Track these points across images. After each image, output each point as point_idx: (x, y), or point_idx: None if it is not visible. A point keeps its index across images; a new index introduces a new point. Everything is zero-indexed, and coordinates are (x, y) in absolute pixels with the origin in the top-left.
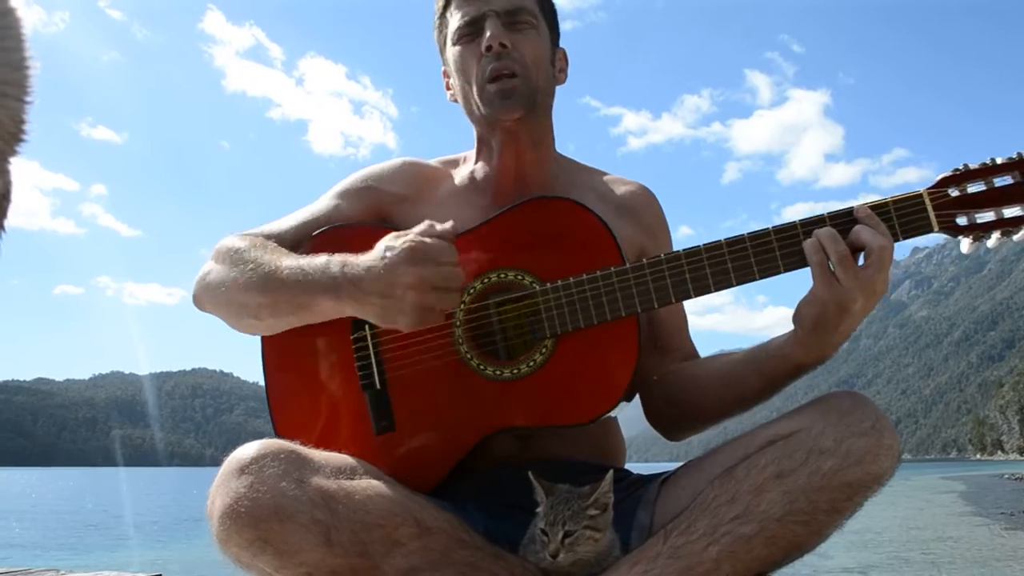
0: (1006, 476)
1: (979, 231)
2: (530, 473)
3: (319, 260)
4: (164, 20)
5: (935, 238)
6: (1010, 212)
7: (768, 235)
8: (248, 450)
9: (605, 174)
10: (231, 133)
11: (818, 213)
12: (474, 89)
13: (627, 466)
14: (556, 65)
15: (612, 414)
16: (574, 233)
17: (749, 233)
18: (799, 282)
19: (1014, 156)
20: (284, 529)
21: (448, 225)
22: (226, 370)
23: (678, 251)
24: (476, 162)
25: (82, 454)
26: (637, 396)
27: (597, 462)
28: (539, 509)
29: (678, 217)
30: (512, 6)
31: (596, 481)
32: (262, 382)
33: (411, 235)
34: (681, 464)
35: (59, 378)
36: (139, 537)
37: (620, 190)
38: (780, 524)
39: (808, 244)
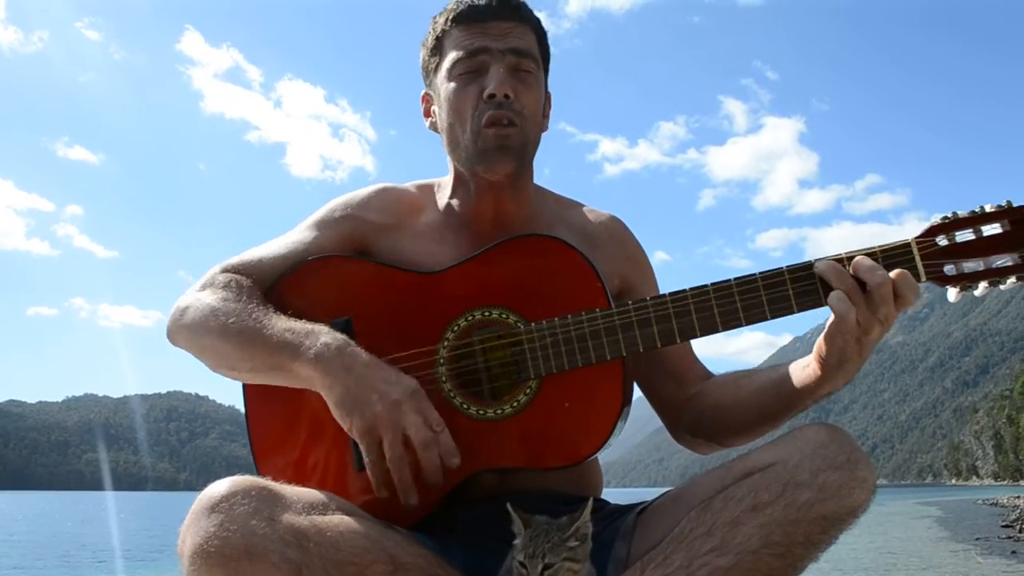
0: (980, 501)
1: (966, 281)
2: (508, 505)
3: (309, 328)
4: (142, 41)
5: None
6: (999, 262)
7: (755, 280)
8: (219, 488)
9: (580, 206)
10: (209, 155)
11: (794, 245)
12: (467, 132)
13: (606, 491)
14: (547, 114)
15: (598, 456)
16: (559, 272)
17: (736, 278)
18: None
19: (1003, 204)
20: (255, 568)
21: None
22: (202, 393)
23: (664, 294)
24: (452, 196)
25: (54, 478)
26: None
27: (574, 493)
28: (517, 541)
29: (654, 243)
30: (519, 47)
31: (574, 512)
32: (238, 406)
33: (419, 396)
34: (659, 495)
35: (31, 400)
36: (118, 563)
37: (595, 223)
38: (756, 556)
39: (825, 268)
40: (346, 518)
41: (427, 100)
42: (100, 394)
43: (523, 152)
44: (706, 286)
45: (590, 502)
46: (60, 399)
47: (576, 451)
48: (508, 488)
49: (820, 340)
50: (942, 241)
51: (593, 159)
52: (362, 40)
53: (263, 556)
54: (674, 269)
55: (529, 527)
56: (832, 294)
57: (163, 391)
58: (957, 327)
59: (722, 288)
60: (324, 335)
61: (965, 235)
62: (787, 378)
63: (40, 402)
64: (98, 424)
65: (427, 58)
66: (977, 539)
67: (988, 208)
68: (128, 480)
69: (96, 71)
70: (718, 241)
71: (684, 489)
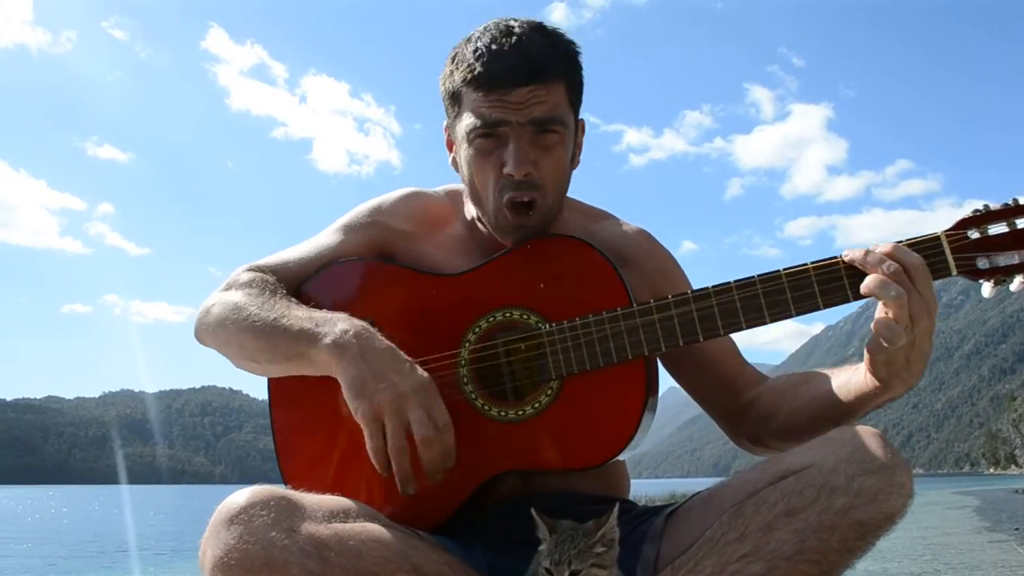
0: (1020, 491)
1: (1000, 274)
2: (532, 510)
3: (327, 316)
4: (167, 39)
5: None
6: None
7: (779, 277)
8: (238, 498)
9: (609, 218)
10: (236, 152)
11: (822, 234)
12: (488, 203)
13: (639, 482)
14: (576, 157)
15: (622, 457)
16: (580, 272)
17: (760, 275)
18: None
19: None
20: None
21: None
22: (235, 388)
23: (686, 292)
24: (478, 217)
25: (92, 472)
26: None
27: (601, 493)
28: (542, 547)
29: (682, 233)
30: (543, 115)
31: (601, 514)
32: None
33: (429, 382)
34: (688, 497)
35: (69, 396)
36: (152, 559)
37: (624, 237)
38: (790, 563)
39: (858, 255)
40: (368, 525)
41: (449, 134)
42: (136, 389)
43: (545, 220)
44: (729, 283)
45: (616, 507)
46: (97, 394)
47: (599, 452)
48: (532, 490)
49: (866, 347)
50: (973, 234)
51: (618, 150)
52: (385, 34)
53: (283, 568)
54: (702, 259)
55: (554, 532)
56: (874, 279)
57: (197, 386)
58: (993, 314)
59: (746, 286)
60: (342, 322)
61: (998, 228)
62: (845, 387)
63: (78, 398)
64: (135, 419)
65: (445, 100)
66: (1016, 529)
67: (1022, 201)
68: (166, 474)
69: (123, 70)
70: (746, 230)
71: (715, 492)
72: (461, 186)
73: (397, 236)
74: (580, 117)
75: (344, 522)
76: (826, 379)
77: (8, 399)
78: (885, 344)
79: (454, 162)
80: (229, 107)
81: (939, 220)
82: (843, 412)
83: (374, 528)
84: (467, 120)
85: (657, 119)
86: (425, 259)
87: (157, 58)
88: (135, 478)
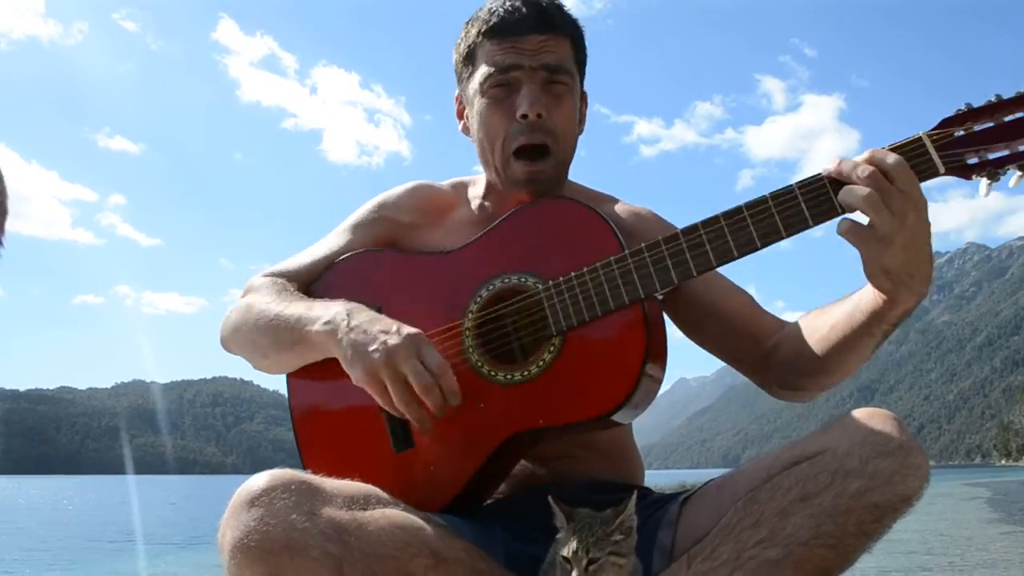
0: None
1: (992, 167)
2: (549, 497)
3: (327, 303)
4: (177, 31)
5: (955, 242)
6: None
7: (765, 201)
8: (258, 481)
9: (615, 200)
10: (247, 143)
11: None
12: (497, 154)
13: (648, 473)
14: (582, 118)
15: (631, 410)
16: (571, 229)
17: (746, 203)
18: (817, 286)
19: (1022, 91)
20: (295, 563)
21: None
22: (246, 378)
23: (676, 232)
24: (485, 198)
25: (105, 462)
26: (650, 403)
27: (618, 480)
28: (559, 535)
29: None
30: (553, 63)
31: (617, 502)
32: (282, 390)
33: (422, 341)
34: (703, 483)
35: (81, 387)
36: (167, 548)
37: (630, 215)
38: (807, 548)
39: (838, 166)
40: (387, 511)
41: (460, 102)
42: (148, 380)
43: (555, 179)
44: (717, 215)
45: (634, 496)
46: (109, 385)
47: (608, 398)
48: (548, 477)
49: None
50: (958, 132)
51: (628, 141)
52: (395, 25)
53: (304, 551)
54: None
55: (572, 520)
56: (851, 188)
57: (208, 376)
58: (1006, 305)
59: (733, 215)
60: (336, 304)
61: (983, 125)
62: (857, 309)
63: (90, 388)
64: (147, 409)
65: (459, 64)
66: None
67: (1005, 96)
68: (177, 464)
69: (134, 62)
70: None
71: (729, 478)
72: (467, 177)
73: (405, 229)
74: (584, 90)
75: (364, 508)
76: (839, 307)
77: (21, 390)
78: (872, 253)
79: (465, 128)
80: (239, 98)
81: (952, 210)
82: (860, 335)
83: (393, 514)
84: (481, 71)
85: (668, 110)
86: (434, 245)
87: (168, 50)
88: (147, 468)
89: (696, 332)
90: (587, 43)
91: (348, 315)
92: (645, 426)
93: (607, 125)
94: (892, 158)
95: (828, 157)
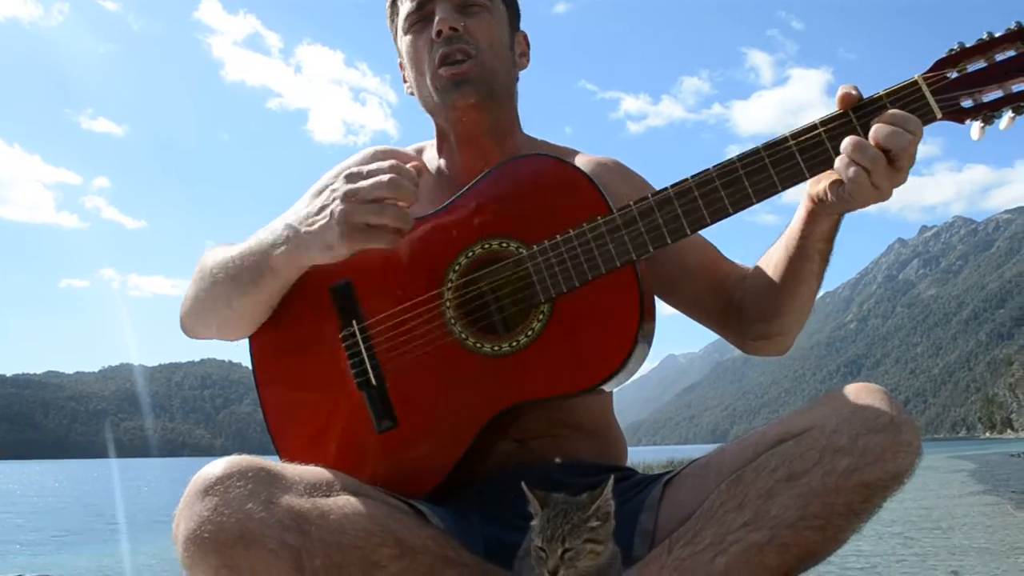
0: (1016, 454)
1: (987, 111)
2: (523, 484)
3: (268, 226)
4: (159, 10)
5: (941, 215)
6: (1018, 86)
7: (758, 153)
8: (214, 468)
9: (577, 153)
10: (232, 124)
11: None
12: (427, 78)
13: (637, 449)
14: (516, 49)
15: (626, 374)
16: (551, 188)
17: (738, 155)
18: None
19: (1012, 27)
20: (250, 555)
21: (412, 164)
22: (235, 360)
23: (667, 187)
24: (440, 156)
25: (93, 446)
26: (639, 378)
27: (598, 462)
28: (534, 522)
29: None
30: None
31: (597, 484)
32: None
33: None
34: (687, 463)
35: (69, 371)
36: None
37: (595, 165)
38: (793, 530)
39: (842, 162)
40: (352, 499)
41: (402, 67)
42: (135, 363)
43: (486, 83)
44: (708, 169)
45: (611, 480)
46: (96, 369)
47: (603, 366)
48: (528, 458)
49: (817, 189)
50: (952, 74)
51: (616, 117)
52: (379, 1)
53: (260, 542)
54: None
55: (546, 507)
56: (848, 167)
57: (196, 359)
58: (991, 279)
59: (726, 168)
60: (275, 224)
61: (976, 65)
62: (791, 234)
63: (78, 372)
64: (135, 392)
65: (390, 25)
66: (1013, 492)
67: (997, 34)
68: (166, 447)
69: (115, 42)
70: None
71: (713, 458)
72: (427, 142)
73: None
74: (521, 30)
75: (327, 495)
76: (777, 243)
77: (8, 374)
78: (862, 204)
79: (409, 90)
80: (224, 78)
81: (939, 184)
82: (798, 260)
83: (357, 501)
84: (403, 12)
85: (655, 86)
86: None
87: (150, 29)
88: (135, 451)
89: (667, 290)
90: (572, 20)
91: (288, 225)
92: (634, 402)
93: (594, 102)
94: (898, 140)
95: None
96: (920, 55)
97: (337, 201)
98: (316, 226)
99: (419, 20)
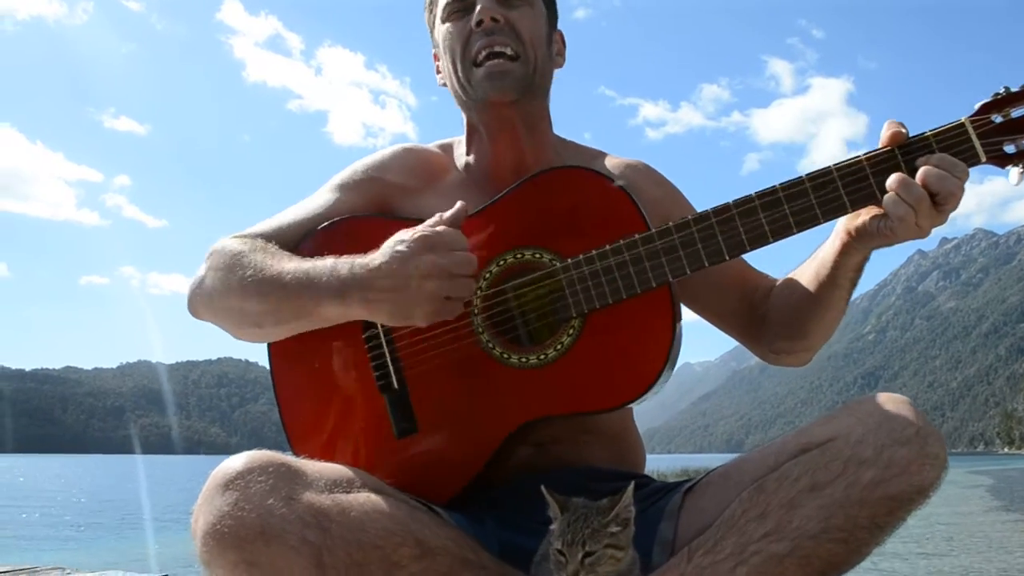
0: None
1: None
2: (543, 487)
3: (325, 263)
4: (182, 11)
5: (962, 228)
6: None
7: (802, 183)
8: (234, 463)
9: (605, 155)
10: (252, 125)
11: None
12: (461, 68)
13: (651, 458)
14: (553, 47)
15: (653, 395)
16: (590, 202)
17: (781, 183)
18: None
19: None
20: (271, 551)
21: (459, 206)
22: (251, 360)
23: (707, 210)
24: (469, 152)
25: (110, 442)
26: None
27: (616, 468)
28: (553, 526)
29: (697, 208)
30: None
31: (615, 491)
32: None
33: (423, 226)
34: (707, 472)
35: (87, 367)
36: (166, 530)
37: (624, 169)
38: (815, 542)
39: (890, 199)
40: (372, 496)
41: (436, 58)
42: (153, 360)
43: (527, 80)
44: (751, 195)
45: (632, 486)
46: (115, 365)
47: (633, 387)
48: (546, 463)
49: (856, 223)
50: (997, 118)
51: (634, 123)
52: (399, 4)
53: (280, 538)
54: None
55: (566, 511)
56: (896, 205)
57: (213, 357)
58: (1012, 292)
59: (767, 196)
60: (340, 266)
61: (1020, 111)
62: (823, 262)
63: (96, 368)
64: (152, 389)
65: (427, 16)
66: None
67: None
68: (182, 444)
69: (138, 42)
70: None
71: (734, 466)
72: (450, 139)
73: (396, 191)
74: (558, 29)
75: (347, 492)
76: (807, 265)
77: (27, 369)
78: (902, 240)
79: (442, 81)
80: (245, 79)
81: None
82: (828, 287)
83: (378, 500)
84: (440, 4)
85: (674, 93)
86: (427, 211)
87: (173, 30)
88: (152, 448)
89: (693, 298)
90: (593, 27)
91: (354, 278)
92: (648, 410)
93: (613, 108)
94: (947, 185)
95: (836, 141)
96: (940, 66)
97: (423, 277)
98: (398, 296)
99: (459, 9)
